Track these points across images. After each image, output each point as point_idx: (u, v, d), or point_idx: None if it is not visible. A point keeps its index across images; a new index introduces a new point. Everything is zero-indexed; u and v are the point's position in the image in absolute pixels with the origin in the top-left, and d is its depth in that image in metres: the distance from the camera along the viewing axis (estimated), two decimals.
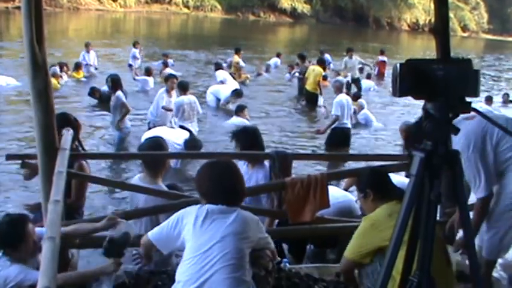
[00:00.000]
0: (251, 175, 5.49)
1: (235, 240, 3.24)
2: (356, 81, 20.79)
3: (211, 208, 3.32)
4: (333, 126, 12.66)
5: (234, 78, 19.24)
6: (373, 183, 4.09)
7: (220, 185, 3.42)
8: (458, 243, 4.67)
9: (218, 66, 19.31)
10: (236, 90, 16.35)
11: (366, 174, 4.35)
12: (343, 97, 12.81)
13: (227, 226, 3.25)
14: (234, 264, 3.17)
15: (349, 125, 12.80)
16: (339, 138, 12.67)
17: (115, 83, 11.47)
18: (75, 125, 5.60)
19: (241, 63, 22.78)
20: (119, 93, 11.40)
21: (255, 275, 3.41)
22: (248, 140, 5.81)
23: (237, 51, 23.01)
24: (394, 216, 3.70)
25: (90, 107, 15.38)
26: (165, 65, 21.02)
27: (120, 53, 27.17)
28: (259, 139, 5.92)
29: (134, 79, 19.03)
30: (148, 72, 19.10)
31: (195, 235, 3.22)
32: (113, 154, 9.95)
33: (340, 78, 15.88)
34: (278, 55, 27.34)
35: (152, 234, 3.45)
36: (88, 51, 21.39)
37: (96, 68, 21.27)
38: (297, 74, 20.90)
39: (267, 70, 25.11)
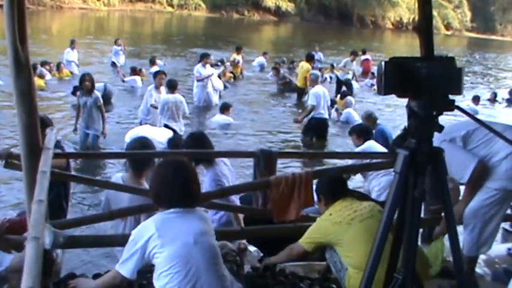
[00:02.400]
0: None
1: (207, 238, 3.24)
2: (348, 84, 20.61)
3: (169, 214, 3.24)
4: (309, 116, 13.02)
5: (219, 77, 19.21)
6: (324, 190, 4.41)
7: (176, 187, 3.30)
8: (436, 233, 4.78)
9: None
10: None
11: (320, 180, 4.69)
12: (320, 88, 13.22)
13: (194, 227, 3.22)
14: (216, 263, 3.20)
15: (326, 115, 13.21)
16: (316, 128, 13.06)
17: (93, 82, 11.20)
18: (47, 123, 5.61)
19: (240, 61, 22.81)
20: (98, 94, 11.30)
21: (229, 270, 3.44)
22: (198, 146, 5.77)
23: (238, 50, 23.28)
24: (335, 215, 4.09)
25: (73, 106, 15.30)
26: (153, 63, 20.98)
27: (103, 52, 27.03)
28: (207, 144, 5.88)
29: (123, 81, 18.94)
30: (134, 71, 19.06)
31: (166, 243, 3.11)
32: (97, 154, 9.90)
33: (315, 71, 16.06)
34: (264, 54, 27.33)
35: (126, 270, 3.24)
36: (73, 49, 21.35)
37: (78, 65, 21.17)
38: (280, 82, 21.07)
39: (262, 69, 25.23)
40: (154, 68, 18.71)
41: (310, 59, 19.00)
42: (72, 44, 21.51)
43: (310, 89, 14.02)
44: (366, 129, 8.08)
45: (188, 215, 3.28)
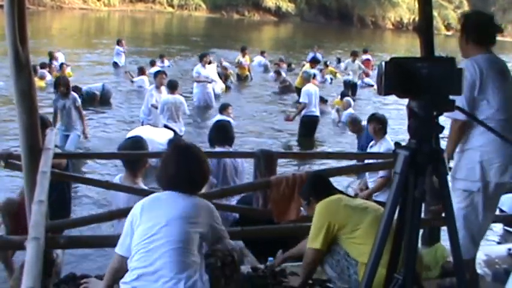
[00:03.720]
0: None
1: (182, 223, 3.21)
2: (353, 86, 20.29)
3: (162, 194, 3.34)
4: (302, 114, 13.31)
5: (220, 76, 19.18)
6: (314, 191, 4.28)
7: (174, 171, 3.38)
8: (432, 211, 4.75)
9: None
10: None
11: (307, 182, 4.54)
12: (311, 87, 13.58)
13: (175, 210, 3.24)
14: (180, 248, 3.14)
15: (317, 113, 13.53)
16: (308, 126, 13.31)
17: (68, 86, 10.84)
18: (47, 124, 5.64)
19: (243, 62, 22.75)
20: (75, 94, 11.00)
21: (209, 265, 3.36)
22: (220, 134, 6.27)
23: (242, 51, 23.30)
24: (343, 198, 4.01)
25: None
26: (153, 64, 20.97)
27: (103, 53, 27.05)
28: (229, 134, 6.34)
29: (132, 81, 18.81)
30: (142, 71, 18.95)
31: (142, 221, 3.19)
32: (96, 154, 9.90)
33: (308, 70, 16.42)
34: (262, 53, 27.27)
35: (121, 248, 3.31)
36: (56, 59, 20.87)
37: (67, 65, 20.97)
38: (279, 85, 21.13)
39: (265, 70, 25.20)
40: (154, 69, 18.69)
41: (313, 62, 19.17)
42: (51, 55, 20.99)
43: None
44: (386, 121, 7.97)
45: (180, 199, 3.31)
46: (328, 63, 24.98)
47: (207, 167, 3.54)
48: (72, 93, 10.91)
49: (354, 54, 21.59)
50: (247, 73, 22.81)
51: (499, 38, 4.69)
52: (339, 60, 26.92)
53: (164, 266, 3.08)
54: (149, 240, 3.13)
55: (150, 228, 3.16)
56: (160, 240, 3.12)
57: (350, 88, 20.01)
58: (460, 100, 4.03)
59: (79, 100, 10.94)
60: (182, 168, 3.37)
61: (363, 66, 22.19)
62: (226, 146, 6.16)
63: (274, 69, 23.31)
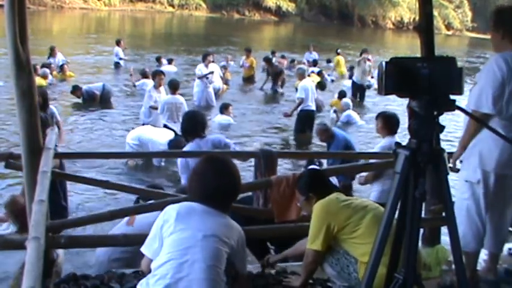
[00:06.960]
0: None
1: (217, 240, 3.15)
2: (362, 89, 19.52)
3: (194, 205, 3.26)
4: (298, 109, 13.49)
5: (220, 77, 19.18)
6: (314, 186, 4.25)
7: (220, 188, 3.30)
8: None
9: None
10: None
11: (305, 178, 4.46)
12: (307, 82, 13.88)
13: (209, 226, 3.17)
14: (213, 266, 3.08)
15: (314, 108, 13.67)
16: (304, 121, 13.41)
17: (44, 98, 8.85)
18: (48, 123, 5.67)
19: (244, 63, 22.67)
20: (54, 109, 9.54)
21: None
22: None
23: (246, 52, 23.12)
24: (341, 198, 3.99)
25: (72, 106, 15.54)
26: (170, 61, 21.05)
27: (103, 52, 27.01)
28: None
29: (134, 85, 18.49)
30: (144, 75, 18.77)
31: (176, 230, 3.10)
32: (96, 154, 9.89)
33: (302, 66, 16.78)
34: (273, 53, 27.05)
35: (148, 250, 3.23)
36: (54, 56, 20.71)
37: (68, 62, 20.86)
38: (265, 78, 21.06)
39: (263, 70, 25.10)
40: (168, 67, 18.64)
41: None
42: (53, 52, 20.84)
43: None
44: (394, 121, 7.49)
45: (214, 215, 3.26)
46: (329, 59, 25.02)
47: (236, 181, 3.46)
48: (51, 107, 9.41)
49: (365, 53, 20.65)
50: (251, 74, 22.52)
51: (488, 36, 4.62)
52: (328, 61, 26.92)
53: (198, 282, 3.01)
54: (185, 252, 3.05)
55: (186, 238, 3.08)
56: (197, 255, 3.05)
57: (358, 91, 19.37)
58: (485, 94, 4.07)
59: (57, 115, 9.58)
60: (219, 184, 3.30)
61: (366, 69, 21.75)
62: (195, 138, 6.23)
63: (264, 57, 23.14)
